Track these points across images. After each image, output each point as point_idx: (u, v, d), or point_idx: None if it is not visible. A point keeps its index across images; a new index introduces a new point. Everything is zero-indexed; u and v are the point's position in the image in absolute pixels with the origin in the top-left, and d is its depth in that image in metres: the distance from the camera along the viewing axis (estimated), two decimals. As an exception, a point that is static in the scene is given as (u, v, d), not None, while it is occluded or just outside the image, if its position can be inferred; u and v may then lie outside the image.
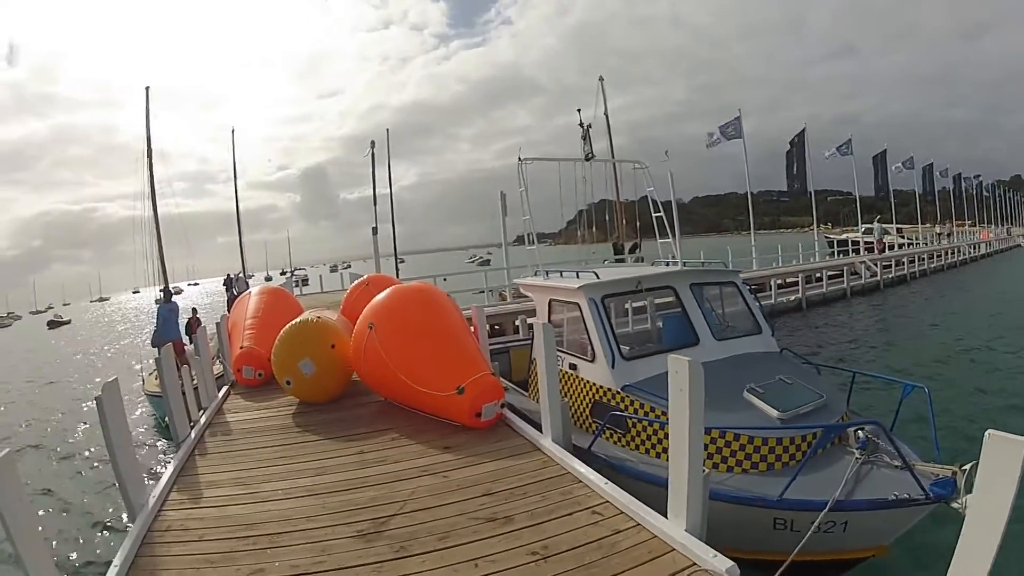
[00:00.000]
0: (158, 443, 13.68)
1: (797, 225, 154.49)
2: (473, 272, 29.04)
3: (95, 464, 12.87)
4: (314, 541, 4.44)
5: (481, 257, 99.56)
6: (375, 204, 27.57)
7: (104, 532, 9.41)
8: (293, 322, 8.70)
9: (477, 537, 4.23)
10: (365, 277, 12.51)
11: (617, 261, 20.68)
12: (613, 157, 26.82)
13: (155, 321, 14.94)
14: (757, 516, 5.34)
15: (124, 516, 8.26)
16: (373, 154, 28.52)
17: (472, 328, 8.32)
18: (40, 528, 3.63)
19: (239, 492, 5.47)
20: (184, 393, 7.54)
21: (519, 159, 10.93)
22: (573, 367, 8.06)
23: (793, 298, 26.67)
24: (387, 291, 8.18)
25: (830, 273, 30.47)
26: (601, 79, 27.83)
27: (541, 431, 6.07)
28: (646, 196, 12.45)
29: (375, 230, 24.80)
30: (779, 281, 27.10)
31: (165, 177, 20.91)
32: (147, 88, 20.73)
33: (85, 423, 16.65)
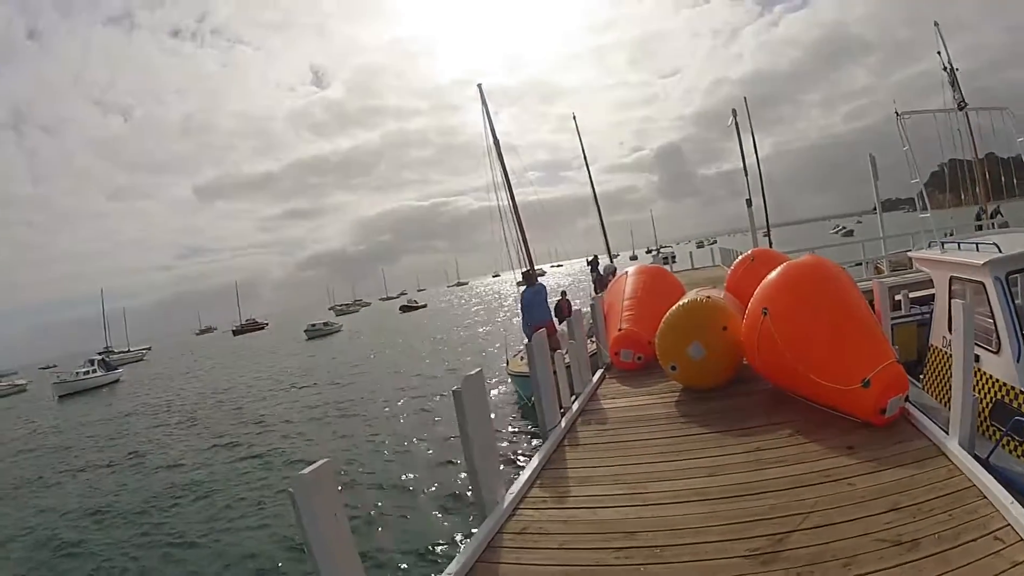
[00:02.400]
0: (520, 429, 14.06)
1: None
2: (843, 244, 25.83)
3: (448, 456, 13.07)
4: (700, 559, 3.72)
5: (844, 228, 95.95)
6: (746, 175, 25.87)
7: (449, 533, 9.31)
8: (680, 303, 8.19)
9: (884, 565, 3.43)
10: (750, 252, 11.78)
11: (977, 228, 16.78)
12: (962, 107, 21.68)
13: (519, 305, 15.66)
14: None
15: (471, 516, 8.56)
16: (737, 123, 26.92)
17: (874, 307, 7.18)
18: (353, 547, 3.23)
19: (616, 492, 4.91)
20: (556, 379, 7.33)
21: (896, 113, 10.07)
22: (975, 357, 6.41)
23: None
24: (779, 270, 7.29)
25: None
26: (936, 25, 22.96)
27: (943, 430, 5.05)
28: (993, 152, 10.06)
29: (749, 202, 23.33)
30: None
31: (518, 168, 22.30)
32: (479, 85, 21.88)
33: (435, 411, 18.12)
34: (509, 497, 4.94)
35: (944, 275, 7.63)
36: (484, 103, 21.33)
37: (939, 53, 21.90)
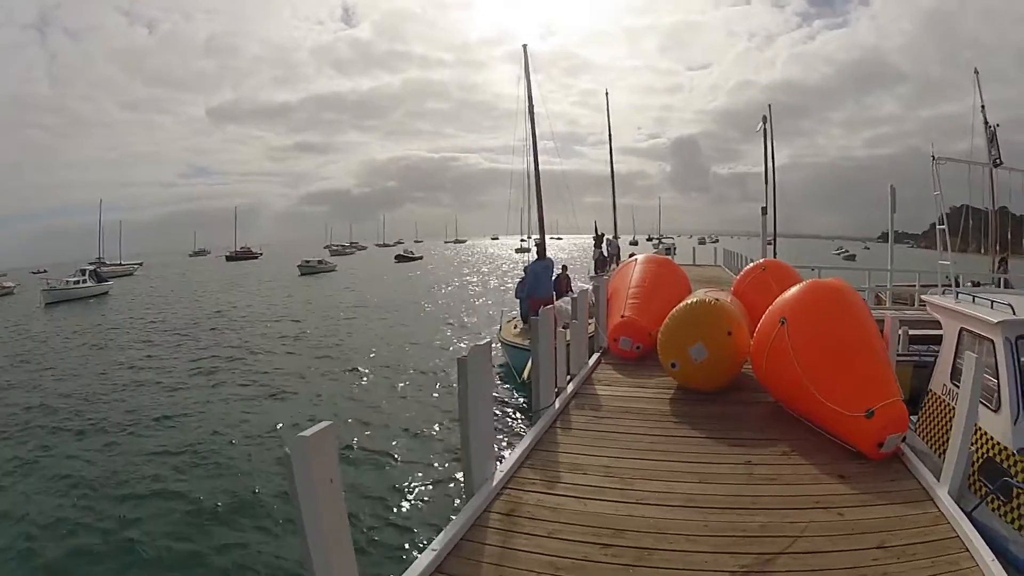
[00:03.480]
0: (508, 401, 13.63)
1: None
2: (849, 269, 25.65)
3: (439, 424, 12.67)
4: (691, 568, 3.67)
5: (847, 251, 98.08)
6: (766, 183, 25.38)
7: (436, 508, 8.86)
8: (689, 301, 8.11)
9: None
10: (761, 261, 11.78)
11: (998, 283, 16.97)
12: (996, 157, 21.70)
13: (523, 274, 15.43)
14: None
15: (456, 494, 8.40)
16: (765, 129, 26.59)
17: (883, 339, 7.07)
18: (345, 517, 3.05)
19: (606, 484, 4.82)
20: (556, 357, 7.22)
21: (932, 157, 9.95)
22: None
23: None
24: (804, 285, 7.36)
25: None
26: (977, 73, 22.80)
27: (934, 476, 5.09)
28: (1006, 206, 10.09)
29: (764, 210, 23.01)
30: None
31: (528, 132, 22.02)
32: (524, 46, 21.41)
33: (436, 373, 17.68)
34: (499, 475, 4.85)
35: (955, 325, 7.57)
36: (526, 65, 21.08)
37: (982, 108, 21.82)
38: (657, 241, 56.81)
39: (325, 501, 2.85)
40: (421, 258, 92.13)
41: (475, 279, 56.42)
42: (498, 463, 5.12)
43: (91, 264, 64.78)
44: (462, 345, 21.15)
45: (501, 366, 15.34)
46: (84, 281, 50.12)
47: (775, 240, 28.18)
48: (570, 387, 7.61)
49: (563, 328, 8.63)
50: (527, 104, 21.68)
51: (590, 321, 11.00)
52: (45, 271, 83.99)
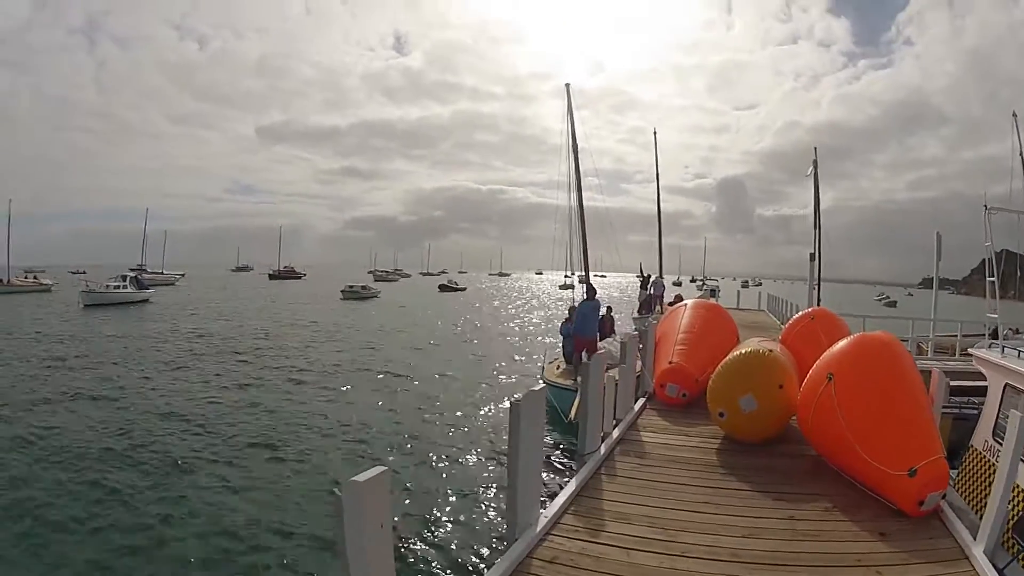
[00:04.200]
0: (551, 442, 12.80)
1: None
2: (893, 317, 25.00)
3: (482, 461, 12.34)
4: None
5: (888, 297, 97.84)
6: (815, 228, 24.80)
7: (479, 553, 8.51)
8: (742, 351, 8.13)
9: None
10: (810, 310, 11.81)
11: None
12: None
13: (567, 314, 15.57)
14: None
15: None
16: (816, 174, 26.39)
17: (929, 394, 7.08)
18: (391, 561, 3.01)
19: (651, 535, 4.87)
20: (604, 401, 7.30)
21: (984, 207, 10.27)
22: None
23: None
24: (850, 340, 7.28)
25: None
26: (1015, 116, 22.55)
27: (971, 532, 5.06)
28: None
29: (813, 256, 22.63)
30: None
31: (571, 169, 22.33)
32: (567, 85, 21.81)
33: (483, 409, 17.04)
34: (543, 521, 4.92)
35: (1000, 380, 7.45)
36: (569, 103, 21.36)
37: (1020, 153, 21.48)
38: (701, 282, 56.27)
39: (373, 546, 2.84)
40: (464, 289, 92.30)
41: (524, 312, 56.47)
42: (542, 509, 5.18)
43: (133, 270, 66.12)
44: (503, 378, 21.27)
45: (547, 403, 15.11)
46: (125, 286, 51.11)
47: (819, 285, 27.87)
48: (615, 432, 7.68)
49: (607, 371, 8.71)
50: (570, 141, 22.01)
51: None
52: (84, 272, 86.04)
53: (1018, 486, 6.29)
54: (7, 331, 30.52)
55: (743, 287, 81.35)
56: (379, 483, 2.83)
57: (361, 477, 2.75)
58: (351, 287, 69.82)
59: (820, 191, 25.16)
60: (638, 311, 32.87)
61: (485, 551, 8.41)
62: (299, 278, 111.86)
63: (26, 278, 67.67)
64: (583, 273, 20.93)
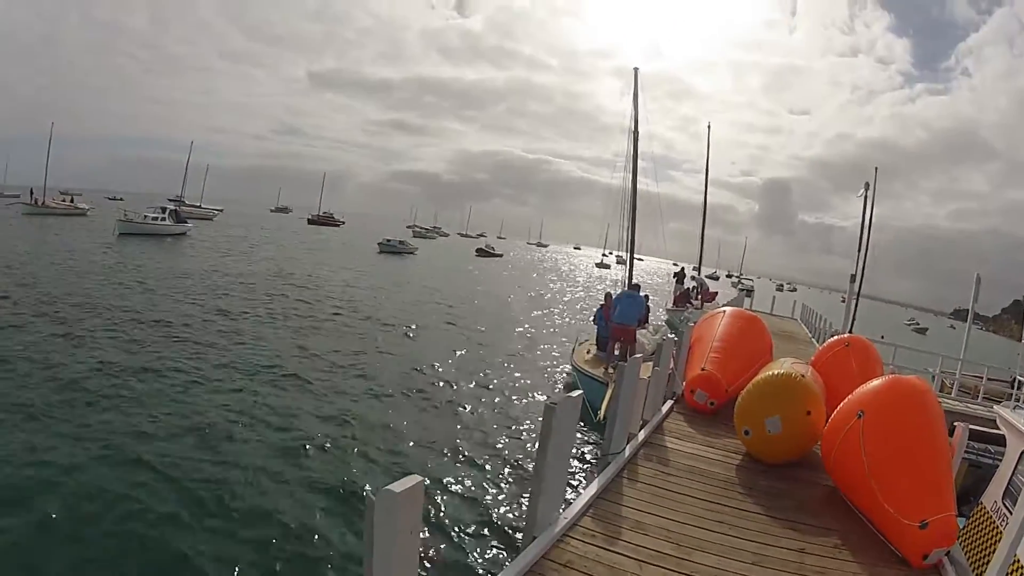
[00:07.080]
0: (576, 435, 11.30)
1: None
2: (924, 351, 24.11)
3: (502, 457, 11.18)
4: None
5: (918, 323, 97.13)
6: (860, 248, 23.38)
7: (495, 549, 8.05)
8: (775, 372, 8.12)
9: None
10: (845, 337, 11.44)
11: None
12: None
13: (603, 299, 15.62)
14: None
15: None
16: (867, 196, 25.65)
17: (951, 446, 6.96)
18: (416, 569, 3.02)
19: (665, 550, 4.95)
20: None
21: None
22: None
23: None
24: (885, 381, 7.30)
25: None
26: None
27: None
28: None
29: (853, 277, 22.11)
30: None
31: (629, 153, 22.18)
32: (636, 69, 21.99)
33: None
34: (562, 522, 5.01)
35: (1019, 445, 7.31)
36: (636, 88, 21.47)
37: None
38: (737, 280, 55.59)
39: (401, 553, 2.82)
40: (501, 255, 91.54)
41: (556, 286, 56.02)
42: (561, 509, 5.25)
43: (172, 200, 65.36)
44: (527, 354, 21.14)
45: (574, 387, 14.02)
46: (164, 219, 50.05)
47: (857, 302, 27.32)
48: (641, 435, 7.76)
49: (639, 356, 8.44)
50: (633, 126, 21.81)
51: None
52: (121, 199, 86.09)
53: (1018, 559, 6.25)
54: (34, 256, 29.35)
55: (778, 290, 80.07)
56: (414, 493, 2.78)
57: (396, 487, 2.69)
58: (388, 241, 69.34)
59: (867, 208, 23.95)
60: (673, 303, 32.74)
61: (498, 548, 8.04)
62: (337, 225, 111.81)
63: (62, 200, 65.61)
64: (621, 254, 20.89)
